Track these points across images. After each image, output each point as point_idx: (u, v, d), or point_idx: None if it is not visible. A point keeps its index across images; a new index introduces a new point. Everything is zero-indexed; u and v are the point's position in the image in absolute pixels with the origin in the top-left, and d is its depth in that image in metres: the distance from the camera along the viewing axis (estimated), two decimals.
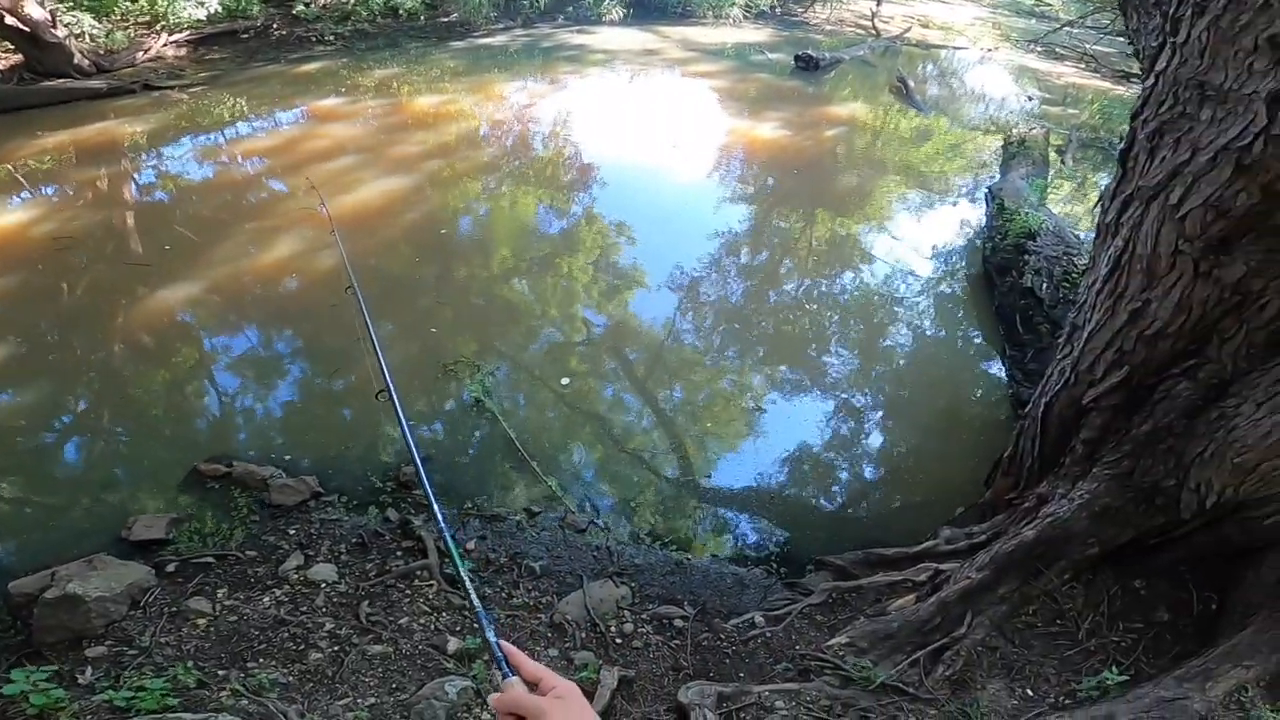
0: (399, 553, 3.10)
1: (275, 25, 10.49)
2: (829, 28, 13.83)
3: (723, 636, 2.89)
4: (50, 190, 6.09)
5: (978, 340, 5.12)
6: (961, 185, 7.54)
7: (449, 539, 1.25)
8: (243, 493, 3.36)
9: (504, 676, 0.75)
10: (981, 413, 4.45)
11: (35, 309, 4.54)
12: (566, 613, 2.91)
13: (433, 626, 2.79)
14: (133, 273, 4.97)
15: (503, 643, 0.78)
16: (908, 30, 13.38)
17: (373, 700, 2.44)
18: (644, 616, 2.97)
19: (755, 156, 7.88)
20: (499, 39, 11.02)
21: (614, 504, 3.57)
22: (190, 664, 2.54)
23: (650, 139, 7.95)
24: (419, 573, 3.00)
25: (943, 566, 2.94)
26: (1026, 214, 5.41)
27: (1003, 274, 5.21)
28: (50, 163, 6.25)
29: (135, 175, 6.56)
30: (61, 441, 3.74)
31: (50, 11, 8.20)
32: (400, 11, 11.05)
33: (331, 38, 10.42)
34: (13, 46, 8.41)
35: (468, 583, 1.07)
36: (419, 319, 4.73)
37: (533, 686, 0.72)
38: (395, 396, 1.71)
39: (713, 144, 7.99)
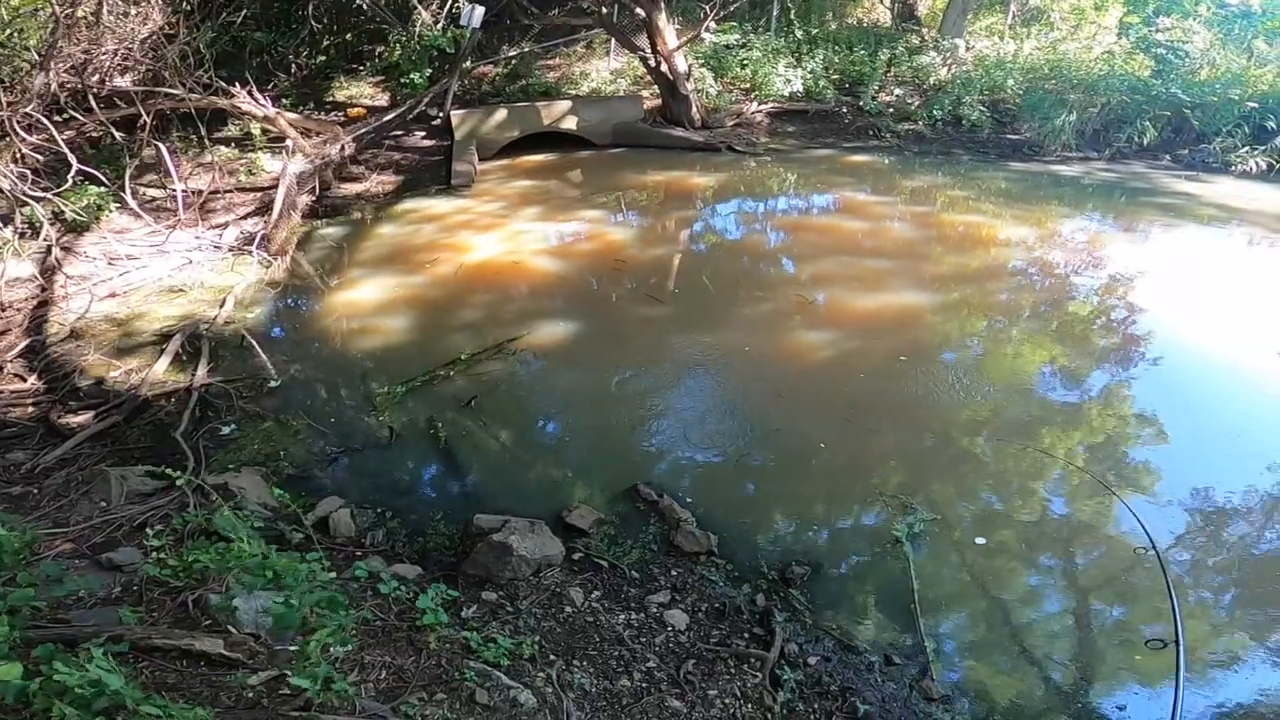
0: (746, 634, 3.14)
1: (843, 112, 11.27)
2: None
3: None
4: (637, 219, 7.63)
5: None
6: None
7: None
8: (658, 523, 3.69)
9: None
10: None
11: (581, 301, 5.87)
12: None
13: (733, 711, 2.79)
14: (647, 301, 5.88)
15: None
16: None
17: None
18: None
19: None
20: (1072, 169, 9.67)
21: (979, 688, 3.03)
22: (538, 639, 2.88)
23: (1249, 331, 5.80)
24: (753, 660, 3.00)
25: None
26: None
27: None
28: (645, 198, 7.86)
29: (691, 224, 7.72)
30: (566, 420, 4.56)
31: (689, 66, 10.30)
32: (963, 121, 10.70)
33: (888, 135, 10.67)
34: (656, 92, 10.89)
35: None
36: (858, 432, 4.45)
37: None
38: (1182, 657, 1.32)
39: None
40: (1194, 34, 11.36)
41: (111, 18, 7.66)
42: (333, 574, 2.91)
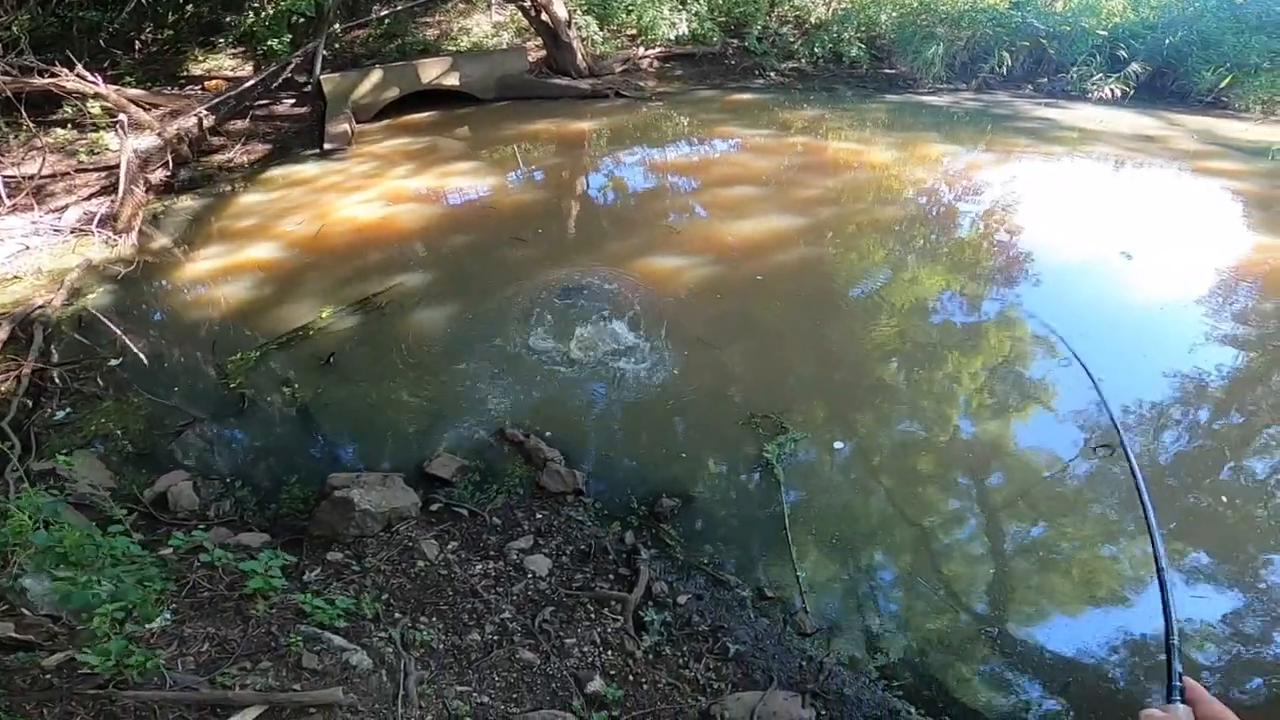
0: (612, 575, 2.97)
1: (729, 54, 11.23)
2: None
3: None
4: (516, 169, 7.46)
5: None
6: None
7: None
8: (524, 465, 3.53)
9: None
10: None
11: (448, 251, 5.79)
12: (727, 709, 2.46)
13: (590, 659, 2.61)
14: (510, 243, 5.84)
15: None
16: None
17: (486, 700, 2.39)
18: None
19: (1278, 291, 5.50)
20: (942, 99, 9.96)
21: (863, 621, 2.93)
22: (385, 597, 2.69)
23: (1099, 239, 6.18)
24: (613, 603, 2.82)
25: None
26: None
27: None
28: (527, 148, 7.72)
29: (571, 169, 7.60)
30: (431, 369, 4.33)
31: (569, 13, 10.00)
32: (844, 58, 10.85)
33: (773, 74, 10.74)
34: (541, 43, 10.54)
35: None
36: (743, 360, 4.42)
37: None
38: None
39: (1218, 263, 5.81)
40: None
41: None
42: (161, 550, 2.73)
